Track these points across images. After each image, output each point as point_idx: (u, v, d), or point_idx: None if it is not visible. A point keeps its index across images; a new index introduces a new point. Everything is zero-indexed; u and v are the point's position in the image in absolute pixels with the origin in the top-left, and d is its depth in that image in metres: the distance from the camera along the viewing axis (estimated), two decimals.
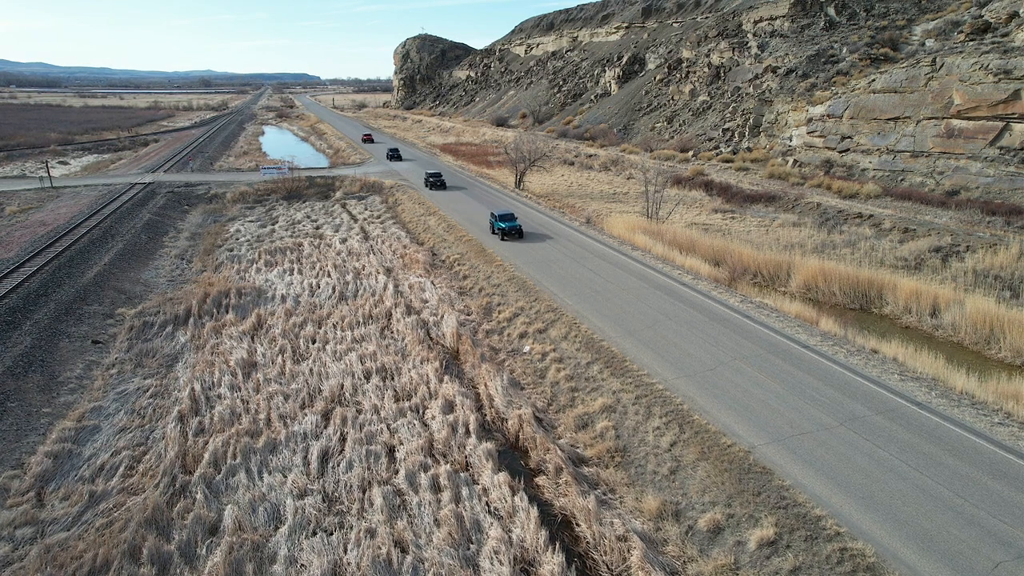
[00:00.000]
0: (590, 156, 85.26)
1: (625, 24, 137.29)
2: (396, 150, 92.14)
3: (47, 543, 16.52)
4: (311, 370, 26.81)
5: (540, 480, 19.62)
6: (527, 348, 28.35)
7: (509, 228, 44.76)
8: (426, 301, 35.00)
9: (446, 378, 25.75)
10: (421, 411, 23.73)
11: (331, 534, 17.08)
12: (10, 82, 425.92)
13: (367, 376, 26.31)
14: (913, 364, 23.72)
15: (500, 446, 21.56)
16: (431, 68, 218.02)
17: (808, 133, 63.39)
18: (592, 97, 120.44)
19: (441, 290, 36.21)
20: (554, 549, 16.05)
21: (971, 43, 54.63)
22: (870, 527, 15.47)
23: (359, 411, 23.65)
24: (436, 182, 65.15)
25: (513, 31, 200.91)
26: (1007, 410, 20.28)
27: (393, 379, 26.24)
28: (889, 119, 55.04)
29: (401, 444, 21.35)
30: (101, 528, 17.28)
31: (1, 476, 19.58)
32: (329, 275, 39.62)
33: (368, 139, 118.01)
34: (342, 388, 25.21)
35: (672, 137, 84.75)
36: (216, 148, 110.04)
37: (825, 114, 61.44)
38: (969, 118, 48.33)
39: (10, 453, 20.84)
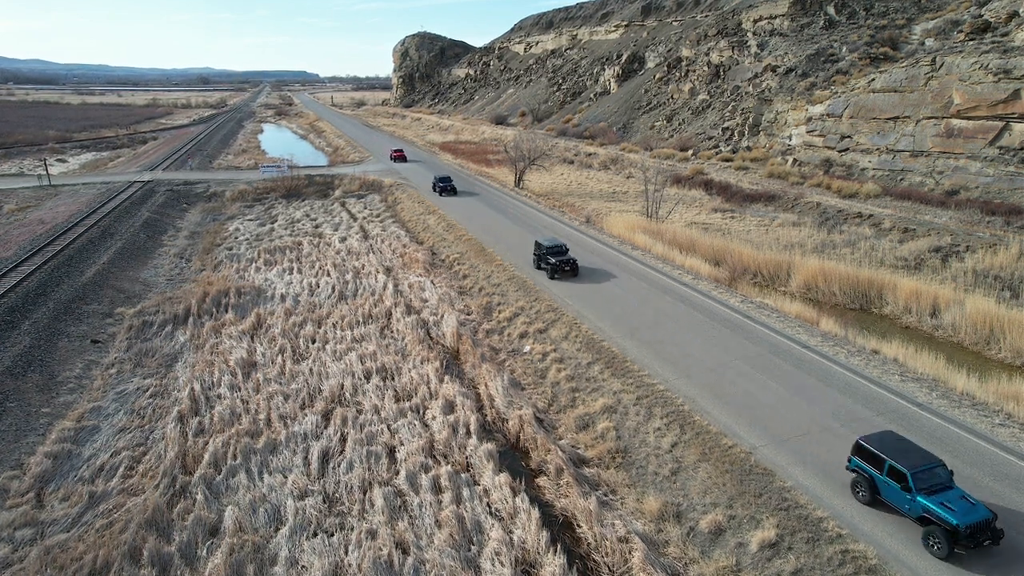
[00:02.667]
0: (589, 155, 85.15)
1: (624, 23, 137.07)
2: (448, 179, 63.82)
3: (47, 544, 16.50)
4: (311, 370, 26.77)
5: (541, 481, 19.62)
6: (527, 348, 28.32)
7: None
8: (426, 300, 34.95)
9: (446, 378, 25.72)
10: (421, 411, 23.70)
11: (332, 535, 17.07)
12: (7, 79, 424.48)
13: (367, 376, 26.27)
14: (913, 365, 23.73)
15: (501, 447, 21.54)
16: (430, 66, 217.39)
17: (808, 132, 63.34)
18: (592, 96, 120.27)
19: (441, 289, 36.16)
20: (555, 551, 16.05)
21: (971, 43, 54.61)
22: (872, 529, 15.47)
23: (359, 411, 23.62)
24: (561, 265, 35.98)
25: (512, 29, 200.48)
26: (1008, 411, 20.30)
27: (393, 379, 26.20)
28: (889, 119, 55.01)
29: (402, 445, 21.33)
30: (101, 529, 17.26)
31: (1, 476, 19.54)
32: (328, 274, 39.55)
33: (400, 157, 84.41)
34: (342, 388, 25.17)
35: (672, 136, 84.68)
36: (215, 146, 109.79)
37: (825, 113, 61.39)
38: (969, 118, 48.31)
39: (9, 453, 20.79)
